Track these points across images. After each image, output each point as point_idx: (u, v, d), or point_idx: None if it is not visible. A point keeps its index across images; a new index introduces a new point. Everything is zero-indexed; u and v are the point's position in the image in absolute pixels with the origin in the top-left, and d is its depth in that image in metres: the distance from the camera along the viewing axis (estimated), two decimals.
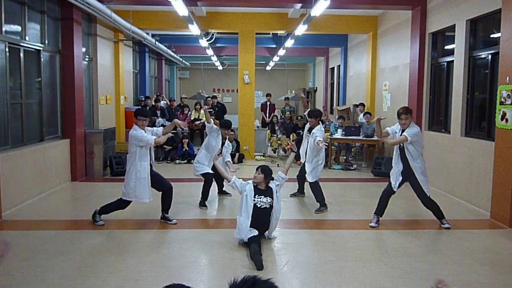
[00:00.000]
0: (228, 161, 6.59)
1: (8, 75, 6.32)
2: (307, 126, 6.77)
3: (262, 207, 4.79)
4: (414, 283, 3.92)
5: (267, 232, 5.00)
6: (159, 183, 5.56)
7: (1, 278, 3.90)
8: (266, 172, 4.88)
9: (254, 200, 4.78)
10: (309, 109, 6.86)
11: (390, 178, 5.67)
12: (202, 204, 6.52)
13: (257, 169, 4.94)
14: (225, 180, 5.48)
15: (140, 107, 12.63)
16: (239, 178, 5.07)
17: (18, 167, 6.33)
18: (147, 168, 5.34)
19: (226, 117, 13.60)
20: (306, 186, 6.91)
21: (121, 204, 5.49)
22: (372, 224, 5.64)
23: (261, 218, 4.80)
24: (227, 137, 6.73)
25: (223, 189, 7.30)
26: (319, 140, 6.10)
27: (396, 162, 5.57)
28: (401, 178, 5.54)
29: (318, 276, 4.07)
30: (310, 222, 5.87)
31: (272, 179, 4.98)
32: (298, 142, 9.95)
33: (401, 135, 5.41)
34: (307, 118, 6.67)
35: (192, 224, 5.77)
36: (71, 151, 8.18)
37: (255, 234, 4.64)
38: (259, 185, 4.88)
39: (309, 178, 6.43)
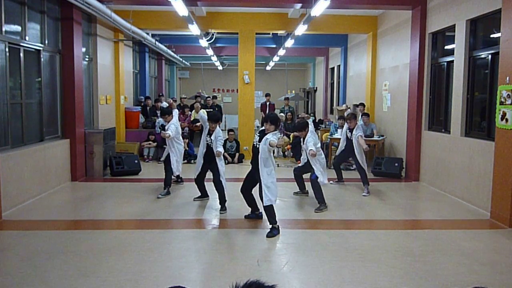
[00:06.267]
0: (218, 150, 6.15)
1: (8, 75, 6.32)
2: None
3: (257, 146, 5.41)
4: (414, 283, 3.92)
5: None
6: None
7: (1, 278, 3.90)
8: (276, 122, 5.33)
9: (254, 142, 5.49)
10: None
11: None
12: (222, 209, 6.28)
13: (266, 121, 5.33)
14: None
15: (140, 107, 12.74)
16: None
17: (18, 167, 6.33)
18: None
19: (225, 117, 13.63)
20: (308, 186, 6.95)
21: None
22: (331, 181, 8.12)
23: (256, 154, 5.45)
24: (215, 130, 6.32)
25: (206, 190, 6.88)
26: (311, 150, 6.02)
27: (341, 147, 8.06)
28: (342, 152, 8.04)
29: (318, 276, 4.07)
30: (310, 222, 5.87)
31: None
32: (297, 144, 9.97)
33: (350, 132, 7.70)
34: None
35: (192, 224, 5.77)
36: (71, 151, 8.18)
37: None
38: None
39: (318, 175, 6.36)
